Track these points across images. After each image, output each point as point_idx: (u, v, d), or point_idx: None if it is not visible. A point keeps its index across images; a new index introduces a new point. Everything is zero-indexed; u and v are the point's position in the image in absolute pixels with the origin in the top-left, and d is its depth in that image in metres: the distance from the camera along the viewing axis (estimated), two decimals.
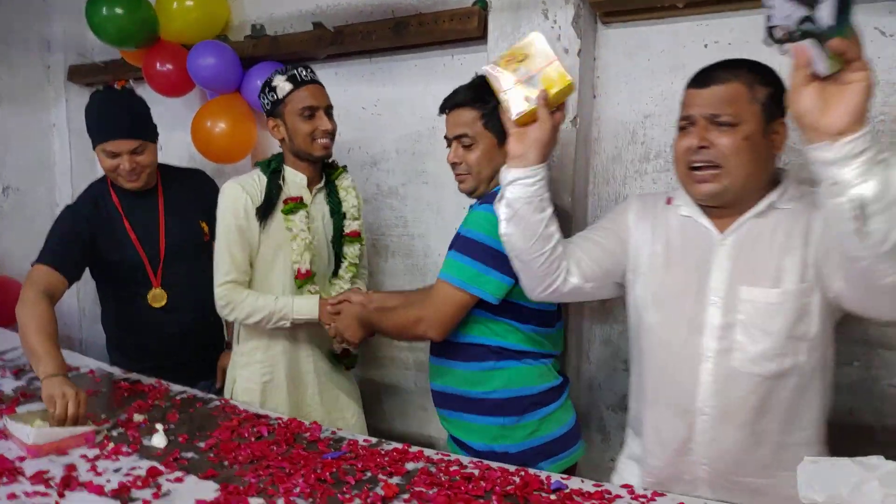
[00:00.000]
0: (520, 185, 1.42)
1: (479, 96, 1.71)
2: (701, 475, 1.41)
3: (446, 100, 1.78)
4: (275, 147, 2.89)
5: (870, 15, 1.67)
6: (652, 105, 2.00)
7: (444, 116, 1.79)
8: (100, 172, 2.28)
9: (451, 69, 2.38)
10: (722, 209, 1.40)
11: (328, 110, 2.04)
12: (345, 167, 2.21)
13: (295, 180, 2.06)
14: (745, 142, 1.32)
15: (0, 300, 2.99)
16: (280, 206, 2.02)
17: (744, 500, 1.36)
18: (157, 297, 2.20)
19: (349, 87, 2.64)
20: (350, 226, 2.15)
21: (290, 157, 2.07)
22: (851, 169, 1.08)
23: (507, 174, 1.45)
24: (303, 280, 2.03)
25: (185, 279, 2.23)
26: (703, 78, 1.37)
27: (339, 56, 2.62)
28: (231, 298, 1.98)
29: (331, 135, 2.03)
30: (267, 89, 2.01)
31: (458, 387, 1.75)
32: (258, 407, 1.95)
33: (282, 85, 1.98)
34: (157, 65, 2.80)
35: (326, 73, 2.68)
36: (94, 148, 2.15)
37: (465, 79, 2.33)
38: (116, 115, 2.10)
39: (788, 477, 1.25)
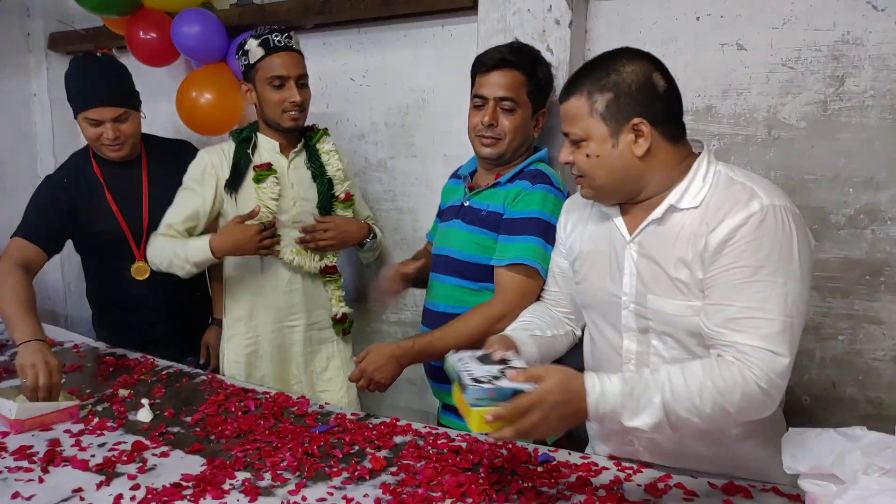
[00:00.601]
0: None
1: (526, 61, 1.70)
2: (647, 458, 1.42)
3: (490, 56, 1.70)
4: None
5: None
6: None
7: (479, 75, 1.72)
8: (82, 143, 2.24)
9: (441, 40, 2.34)
10: (630, 208, 1.34)
11: (300, 80, 1.96)
12: (325, 130, 2.14)
13: (266, 147, 2.02)
14: (590, 158, 1.29)
15: None
16: (251, 174, 1.98)
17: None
18: (141, 269, 2.17)
19: (337, 58, 2.60)
20: (339, 190, 2.09)
21: (262, 124, 2.03)
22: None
23: None
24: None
25: None
26: (562, 91, 1.34)
27: (327, 26, 2.57)
28: (149, 245, 1.98)
29: (300, 107, 1.95)
30: (240, 52, 1.96)
31: None
32: (244, 380, 1.94)
33: (254, 49, 1.92)
34: (140, 33, 2.73)
35: (314, 43, 2.64)
36: (75, 117, 2.11)
37: (457, 49, 2.31)
38: (97, 82, 2.05)
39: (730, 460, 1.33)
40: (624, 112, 1.25)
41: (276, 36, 1.92)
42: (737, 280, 1.17)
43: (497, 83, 1.68)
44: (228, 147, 1.99)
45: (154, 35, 2.72)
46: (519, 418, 1.09)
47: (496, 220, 1.68)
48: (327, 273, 2.10)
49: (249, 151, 1.98)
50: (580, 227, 1.46)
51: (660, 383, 1.14)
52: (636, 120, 1.24)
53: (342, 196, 2.09)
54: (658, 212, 1.28)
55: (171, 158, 2.27)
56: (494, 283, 1.67)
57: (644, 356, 1.34)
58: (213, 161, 1.97)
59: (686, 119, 1.87)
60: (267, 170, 1.97)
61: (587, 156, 1.28)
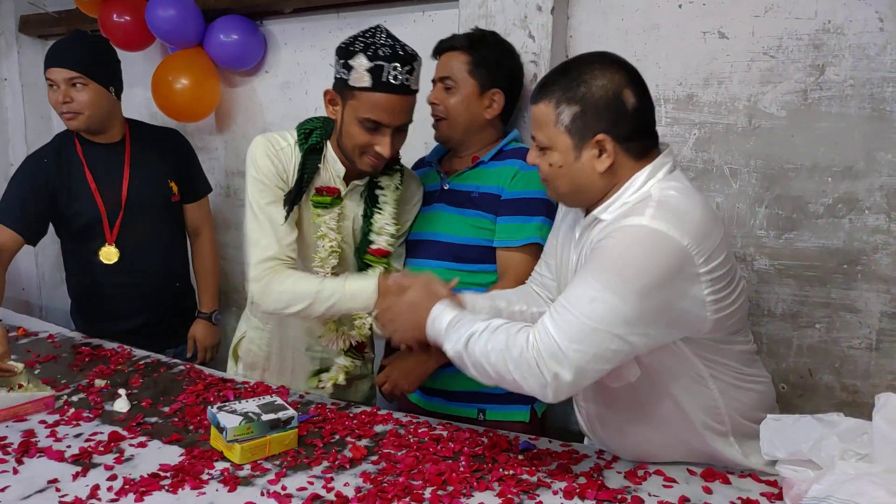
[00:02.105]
0: None
1: (471, 43, 1.72)
2: (585, 430, 1.49)
3: (440, 42, 1.79)
4: (237, 108, 2.83)
5: None
6: None
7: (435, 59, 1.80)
8: (56, 129, 2.20)
9: (423, 25, 2.32)
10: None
11: (400, 128, 1.56)
12: (401, 167, 1.74)
13: (334, 166, 1.65)
14: (552, 168, 1.29)
15: None
16: (311, 191, 1.65)
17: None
18: (109, 253, 2.14)
19: (316, 44, 2.56)
20: (377, 241, 1.70)
21: (335, 141, 1.64)
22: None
23: None
24: None
25: (145, 238, 2.17)
26: (533, 92, 1.33)
27: (306, 10, 2.54)
28: (269, 282, 1.55)
29: (386, 158, 1.57)
30: (342, 58, 1.51)
31: None
32: (253, 367, 1.86)
33: (359, 72, 1.47)
34: (114, 16, 2.68)
35: (292, 29, 2.61)
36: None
37: (437, 35, 2.27)
38: (62, 45, 2.05)
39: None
40: (589, 127, 1.23)
41: (395, 68, 1.46)
42: (576, 275, 1.24)
43: (441, 65, 1.75)
44: (292, 150, 1.63)
45: (128, 18, 2.67)
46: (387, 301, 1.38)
47: (492, 201, 1.68)
48: (356, 350, 1.79)
49: (320, 166, 1.64)
50: (562, 215, 1.48)
51: (475, 323, 1.26)
52: (600, 136, 1.22)
53: (374, 249, 1.71)
54: (587, 221, 1.32)
55: (158, 144, 2.23)
56: (502, 264, 1.67)
57: None
58: (281, 161, 1.62)
59: (667, 107, 1.91)
60: (336, 198, 1.65)
61: (549, 164, 1.28)
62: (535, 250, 1.62)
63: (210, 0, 2.63)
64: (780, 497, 1.21)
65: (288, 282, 1.54)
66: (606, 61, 1.26)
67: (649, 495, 1.22)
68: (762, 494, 1.22)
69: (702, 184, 1.86)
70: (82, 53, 2.03)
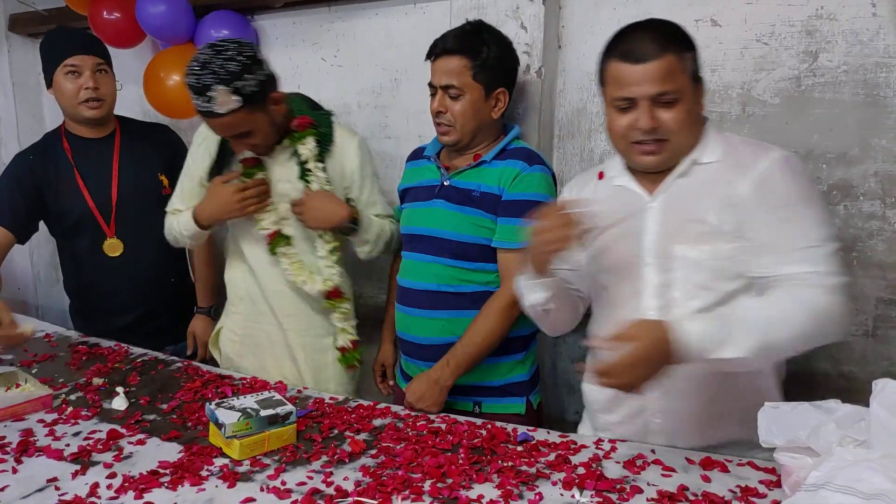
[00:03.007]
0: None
1: (469, 45, 1.67)
2: (654, 428, 1.43)
3: (435, 44, 1.71)
4: None
5: None
6: None
7: (430, 63, 1.73)
8: (48, 127, 2.19)
9: (415, 17, 2.31)
10: (648, 174, 1.39)
11: (240, 136, 1.73)
12: (313, 127, 1.85)
13: None
14: (688, 115, 1.32)
15: None
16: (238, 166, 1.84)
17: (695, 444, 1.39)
18: (113, 246, 2.15)
19: (307, 38, 2.55)
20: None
21: None
22: None
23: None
24: (272, 242, 1.85)
25: (142, 231, 2.17)
26: (636, 53, 1.31)
27: (296, 4, 2.52)
28: (168, 223, 1.94)
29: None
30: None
31: (453, 335, 1.70)
32: (230, 358, 1.93)
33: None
34: (104, 13, 2.65)
35: (283, 23, 2.60)
36: (49, 85, 2.09)
37: (429, 28, 2.26)
38: (78, 34, 2.11)
39: (735, 424, 1.35)
40: (697, 72, 1.33)
41: (197, 100, 1.65)
42: (778, 218, 1.27)
43: (441, 71, 1.68)
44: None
45: (118, 15, 2.65)
46: (621, 374, 1.18)
47: (492, 200, 1.67)
48: (331, 297, 1.89)
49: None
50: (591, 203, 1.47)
51: (744, 313, 1.21)
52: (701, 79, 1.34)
53: None
54: (682, 167, 1.36)
55: (147, 138, 2.24)
56: (503, 265, 1.67)
57: (665, 310, 1.35)
58: (207, 134, 1.85)
59: None
60: (254, 166, 1.82)
61: (686, 112, 1.31)
62: None
63: None
64: (778, 484, 1.21)
65: (169, 218, 1.95)
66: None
67: (648, 485, 1.23)
68: (761, 482, 1.23)
69: None
70: (98, 41, 2.12)
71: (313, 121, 1.85)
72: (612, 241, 1.43)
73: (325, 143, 1.85)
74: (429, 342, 1.75)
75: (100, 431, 1.44)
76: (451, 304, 1.72)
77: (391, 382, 1.98)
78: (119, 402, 1.56)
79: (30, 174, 2.07)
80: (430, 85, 1.73)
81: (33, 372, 1.75)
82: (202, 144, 1.91)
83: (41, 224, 2.20)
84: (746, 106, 1.79)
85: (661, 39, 1.30)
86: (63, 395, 1.63)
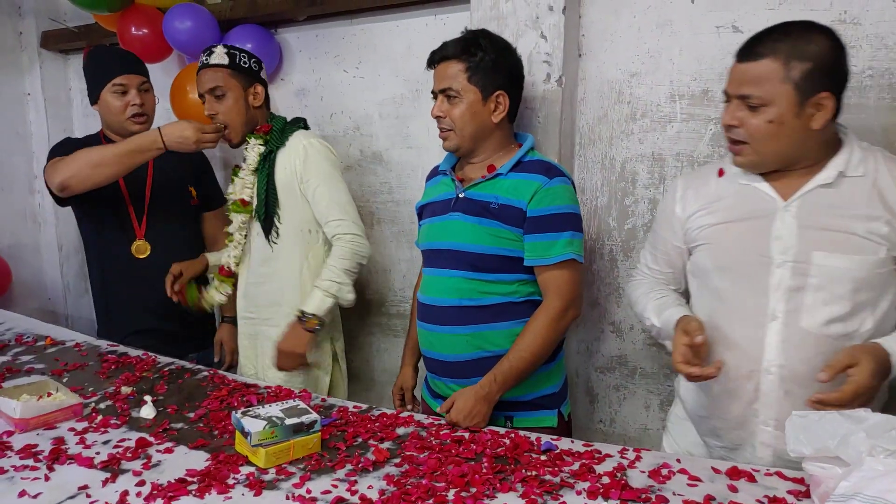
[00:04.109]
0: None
1: (465, 49, 1.69)
2: (765, 439, 1.42)
3: (433, 53, 1.74)
4: None
5: None
6: (638, 63, 1.97)
7: (432, 72, 1.76)
8: None
9: (434, 29, 2.33)
10: (780, 175, 1.40)
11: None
12: (252, 135, 2.08)
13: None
14: (770, 124, 1.32)
15: None
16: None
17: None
18: (141, 248, 2.22)
19: (330, 50, 2.59)
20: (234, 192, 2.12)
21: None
22: None
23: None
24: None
25: (170, 237, 2.24)
26: (745, 50, 1.35)
27: (319, 18, 2.56)
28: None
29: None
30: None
31: (498, 347, 1.69)
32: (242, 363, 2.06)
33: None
34: (133, 29, 2.72)
35: (307, 36, 2.63)
36: (95, 101, 2.20)
37: (450, 38, 2.28)
38: (124, 54, 2.24)
39: None
40: (816, 84, 1.29)
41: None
42: None
43: (439, 76, 1.73)
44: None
45: (146, 31, 2.71)
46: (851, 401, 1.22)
47: (514, 214, 1.67)
48: (221, 274, 2.17)
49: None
50: (707, 202, 1.49)
51: None
52: (825, 94, 1.29)
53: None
54: (827, 177, 1.35)
55: (178, 153, 2.26)
56: (542, 282, 1.68)
57: (794, 314, 1.36)
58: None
59: (682, 103, 1.90)
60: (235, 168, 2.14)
61: (769, 121, 1.32)
62: (573, 265, 1.66)
63: (225, 10, 2.66)
64: (807, 495, 1.19)
65: None
66: (820, 25, 1.33)
67: (674, 494, 1.21)
68: (789, 492, 1.21)
69: None
70: (140, 60, 2.24)
71: (270, 126, 2.08)
72: (735, 239, 1.44)
73: (272, 145, 2.06)
74: (455, 359, 1.74)
75: (129, 440, 1.47)
76: (474, 318, 1.71)
77: (409, 407, 1.95)
78: (147, 411, 1.59)
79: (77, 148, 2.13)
80: (432, 92, 1.75)
81: (64, 381, 1.79)
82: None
83: (73, 230, 2.26)
84: None
85: (773, 43, 1.31)
86: (93, 404, 1.66)
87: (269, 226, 2.04)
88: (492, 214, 1.68)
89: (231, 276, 2.15)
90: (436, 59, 1.74)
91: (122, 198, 2.19)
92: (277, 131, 2.06)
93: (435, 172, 1.92)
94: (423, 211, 1.88)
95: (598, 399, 2.19)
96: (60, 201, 2.18)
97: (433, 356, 1.79)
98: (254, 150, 2.06)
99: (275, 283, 2.09)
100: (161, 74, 2.92)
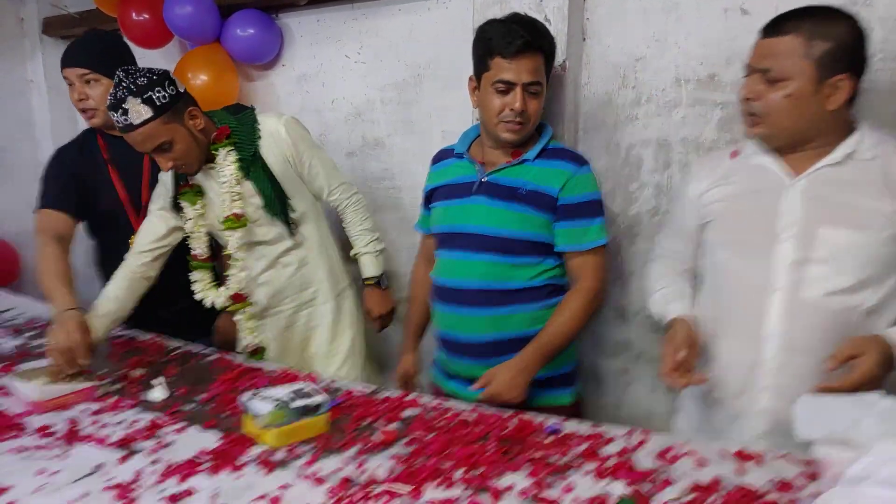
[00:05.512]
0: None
1: (547, 42, 1.68)
2: (764, 404, 1.44)
3: (512, 39, 1.60)
4: (255, 102, 2.83)
5: None
6: (644, 47, 1.96)
7: (500, 58, 1.63)
8: (81, 128, 2.24)
9: (436, 13, 2.32)
10: (792, 152, 1.42)
11: (159, 148, 1.79)
12: (230, 135, 1.90)
13: None
14: (788, 99, 1.34)
15: None
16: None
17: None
18: None
19: (331, 35, 2.58)
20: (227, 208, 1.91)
21: None
22: None
23: None
24: (194, 263, 2.04)
25: None
26: (771, 25, 1.38)
27: (321, 2, 2.55)
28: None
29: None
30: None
31: (518, 329, 1.72)
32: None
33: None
34: (133, 14, 2.71)
35: (308, 21, 2.62)
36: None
37: (451, 23, 2.26)
38: (73, 46, 2.09)
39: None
40: (836, 64, 1.31)
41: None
42: None
43: (525, 68, 1.63)
44: None
45: (147, 16, 2.70)
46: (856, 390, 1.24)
47: (544, 200, 1.69)
48: (236, 301, 1.99)
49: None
50: (718, 181, 1.53)
51: None
52: (843, 75, 1.31)
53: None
54: (836, 157, 1.38)
55: None
56: (575, 267, 1.73)
57: (796, 285, 1.39)
58: (162, 177, 2.04)
59: (688, 88, 1.90)
60: (192, 191, 1.94)
61: (786, 96, 1.34)
62: (602, 249, 1.73)
63: None
64: (816, 478, 1.19)
65: None
66: (849, 13, 1.34)
67: (681, 476, 1.22)
68: (799, 475, 1.21)
69: None
70: (91, 51, 2.07)
71: (229, 128, 1.89)
72: (741, 215, 1.47)
73: (246, 144, 1.89)
74: (478, 340, 1.75)
75: (142, 420, 1.49)
76: (499, 300, 1.73)
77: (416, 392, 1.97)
78: (159, 392, 1.60)
79: (70, 165, 2.13)
80: (503, 81, 1.64)
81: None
82: (159, 186, 2.00)
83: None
84: None
85: (797, 20, 1.34)
86: (106, 386, 1.67)
87: (286, 218, 1.96)
88: (520, 199, 1.69)
89: (246, 300, 2.01)
90: (518, 48, 1.61)
91: (117, 195, 2.16)
92: (241, 132, 1.90)
93: (445, 155, 1.91)
94: (435, 194, 1.87)
95: (604, 383, 2.21)
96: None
97: (452, 337, 1.80)
98: (227, 161, 1.87)
99: (304, 267, 2.03)
100: (163, 61, 2.92)
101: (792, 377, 1.40)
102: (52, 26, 3.35)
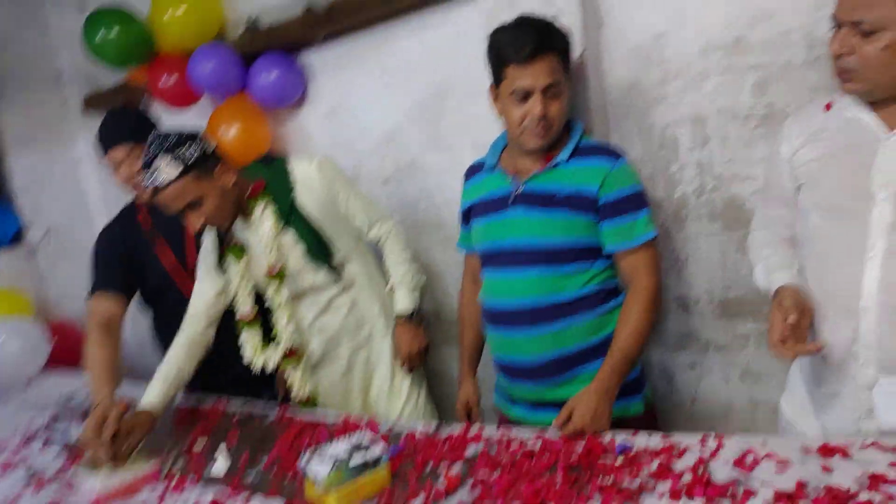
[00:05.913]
0: None
1: (559, 39, 1.62)
2: (866, 381, 1.32)
3: (519, 45, 1.56)
4: (288, 144, 2.86)
5: None
6: (664, 22, 1.85)
7: (511, 67, 1.58)
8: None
9: (447, 27, 2.27)
10: (888, 106, 1.30)
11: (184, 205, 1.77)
12: (265, 188, 1.90)
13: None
14: (885, 51, 1.22)
15: (62, 344, 3.08)
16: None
17: None
18: None
19: (351, 65, 2.57)
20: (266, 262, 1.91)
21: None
22: None
23: None
24: (239, 323, 2.03)
25: None
26: None
27: (336, 34, 2.54)
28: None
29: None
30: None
31: (577, 343, 1.66)
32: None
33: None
34: (161, 78, 2.79)
35: (328, 55, 2.63)
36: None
37: (463, 35, 2.21)
38: (107, 127, 2.11)
39: None
40: None
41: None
42: None
43: (541, 72, 1.57)
44: None
45: (175, 78, 2.77)
46: None
47: (581, 200, 1.62)
48: (290, 357, 1.97)
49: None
50: (810, 138, 1.41)
51: None
52: None
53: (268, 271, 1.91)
54: None
55: None
56: (629, 266, 1.65)
57: (891, 253, 1.28)
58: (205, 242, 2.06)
59: (716, 55, 1.79)
60: (236, 247, 1.95)
61: (883, 47, 1.23)
62: (653, 243, 1.66)
63: (246, 43, 2.69)
64: None
65: None
66: None
67: (762, 484, 1.13)
68: (891, 465, 1.11)
69: (767, 130, 1.72)
70: (126, 125, 2.11)
71: (264, 180, 1.89)
72: (834, 175, 1.36)
73: (282, 195, 1.88)
74: (537, 361, 1.68)
75: (206, 496, 1.50)
76: (551, 316, 1.65)
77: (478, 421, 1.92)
78: (221, 464, 1.61)
79: (114, 243, 2.19)
80: (520, 90, 1.59)
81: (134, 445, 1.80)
82: (203, 248, 2.01)
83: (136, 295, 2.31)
84: (811, 48, 1.63)
85: None
86: (169, 464, 1.70)
87: (331, 262, 1.93)
88: (559, 204, 1.63)
89: (298, 354, 2.00)
90: (529, 54, 1.55)
91: (163, 267, 2.20)
92: (276, 182, 1.89)
93: (477, 169, 1.85)
94: (472, 211, 1.82)
95: (674, 381, 2.09)
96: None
97: (509, 362, 1.75)
98: (266, 215, 1.87)
99: (356, 307, 2.01)
100: (195, 118, 2.98)
101: (893, 348, 1.27)
102: (92, 104, 3.48)
